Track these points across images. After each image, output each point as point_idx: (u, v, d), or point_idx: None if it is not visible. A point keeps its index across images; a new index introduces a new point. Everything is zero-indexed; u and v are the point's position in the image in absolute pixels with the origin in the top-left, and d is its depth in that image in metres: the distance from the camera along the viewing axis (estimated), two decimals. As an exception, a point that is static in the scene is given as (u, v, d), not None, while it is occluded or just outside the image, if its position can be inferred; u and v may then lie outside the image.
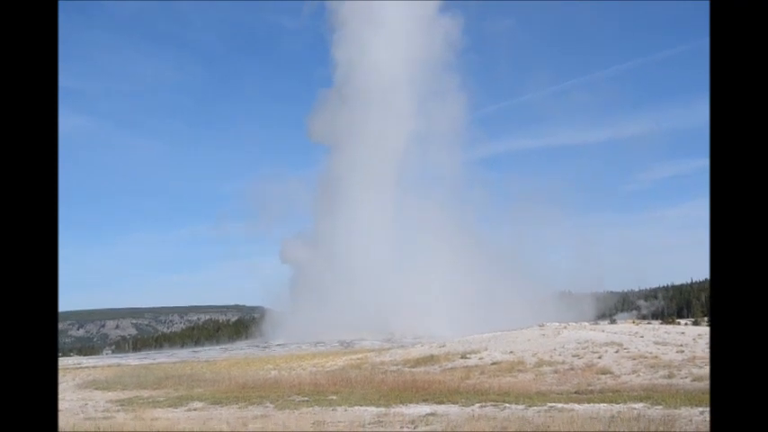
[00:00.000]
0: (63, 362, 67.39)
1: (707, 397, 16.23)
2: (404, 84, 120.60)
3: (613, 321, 63.31)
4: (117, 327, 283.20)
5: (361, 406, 18.13)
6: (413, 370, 29.36)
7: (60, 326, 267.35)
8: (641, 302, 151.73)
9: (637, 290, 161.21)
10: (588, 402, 16.87)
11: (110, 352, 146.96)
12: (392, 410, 16.79)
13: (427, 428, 13.58)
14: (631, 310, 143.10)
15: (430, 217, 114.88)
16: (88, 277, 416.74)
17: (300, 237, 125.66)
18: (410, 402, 18.49)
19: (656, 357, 26.75)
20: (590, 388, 21.26)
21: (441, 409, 16.79)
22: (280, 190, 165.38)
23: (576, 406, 16.11)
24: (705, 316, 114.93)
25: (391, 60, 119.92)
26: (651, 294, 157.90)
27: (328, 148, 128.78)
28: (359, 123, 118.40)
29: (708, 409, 14.38)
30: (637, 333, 34.06)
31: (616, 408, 15.40)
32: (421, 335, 76.05)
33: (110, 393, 26.97)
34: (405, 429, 13.72)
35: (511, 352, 31.24)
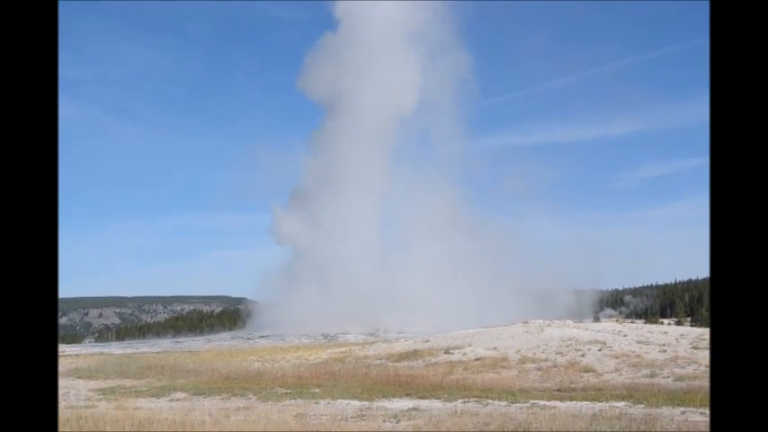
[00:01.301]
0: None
1: (689, 397, 16.35)
2: (404, 49, 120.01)
3: (597, 319, 63.68)
4: (100, 315, 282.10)
5: (344, 399, 18.13)
6: (396, 364, 29.38)
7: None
8: (626, 300, 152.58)
9: (621, 288, 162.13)
10: (570, 400, 16.92)
11: (93, 340, 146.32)
12: (375, 404, 16.80)
13: (409, 423, 13.59)
14: (617, 308, 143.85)
15: (422, 208, 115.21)
16: (72, 265, 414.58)
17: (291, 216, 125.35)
18: (393, 397, 18.52)
19: (639, 356, 26.85)
20: (572, 386, 21.33)
21: (423, 403, 16.81)
22: (270, 182, 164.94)
23: (559, 403, 16.16)
24: (688, 316, 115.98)
25: (394, 20, 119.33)
26: (635, 293, 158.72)
27: (324, 114, 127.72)
28: (356, 83, 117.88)
29: (689, 408, 14.49)
30: (620, 332, 34.21)
31: (598, 406, 15.45)
32: (405, 330, 76.20)
33: (92, 382, 26.86)
34: (387, 423, 13.72)
35: (494, 348, 31.31)
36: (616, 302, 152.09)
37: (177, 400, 19.54)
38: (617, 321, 49.92)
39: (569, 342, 31.08)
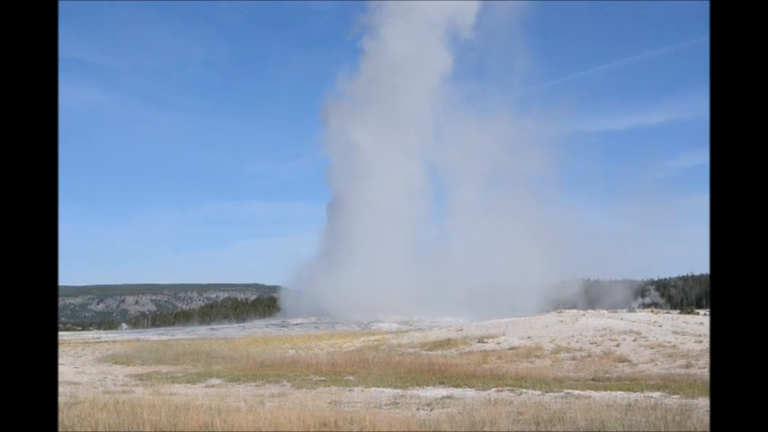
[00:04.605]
0: (83, 335, 68.12)
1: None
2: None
3: (632, 310, 63.16)
4: (136, 302, 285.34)
5: (377, 387, 18.21)
6: (430, 353, 29.43)
7: (80, 300, 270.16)
8: (662, 290, 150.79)
9: (656, 279, 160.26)
10: (605, 390, 16.85)
11: (128, 327, 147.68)
12: (408, 392, 16.86)
13: (443, 411, 13.61)
14: (656, 297, 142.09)
15: (468, 155, 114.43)
16: (109, 252, 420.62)
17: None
18: (427, 385, 18.56)
19: (675, 347, 26.64)
20: (607, 375, 21.23)
21: (457, 392, 16.84)
22: (302, 169, 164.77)
23: (593, 393, 16.10)
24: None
25: None
26: (671, 283, 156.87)
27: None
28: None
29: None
30: (655, 322, 33.95)
31: (633, 396, 15.38)
32: (438, 319, 76.14)
33: (129, 368, 27.21)
34: (421, 411, 13.75)
35: (528, 337, 31.24)
36: (651, 293, 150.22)
37: (213, 386, 19.73)
38: (652, 311, 49.48)
39: (604, 332, 30.91)
